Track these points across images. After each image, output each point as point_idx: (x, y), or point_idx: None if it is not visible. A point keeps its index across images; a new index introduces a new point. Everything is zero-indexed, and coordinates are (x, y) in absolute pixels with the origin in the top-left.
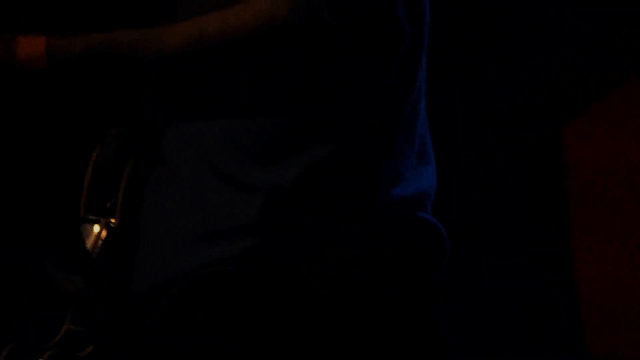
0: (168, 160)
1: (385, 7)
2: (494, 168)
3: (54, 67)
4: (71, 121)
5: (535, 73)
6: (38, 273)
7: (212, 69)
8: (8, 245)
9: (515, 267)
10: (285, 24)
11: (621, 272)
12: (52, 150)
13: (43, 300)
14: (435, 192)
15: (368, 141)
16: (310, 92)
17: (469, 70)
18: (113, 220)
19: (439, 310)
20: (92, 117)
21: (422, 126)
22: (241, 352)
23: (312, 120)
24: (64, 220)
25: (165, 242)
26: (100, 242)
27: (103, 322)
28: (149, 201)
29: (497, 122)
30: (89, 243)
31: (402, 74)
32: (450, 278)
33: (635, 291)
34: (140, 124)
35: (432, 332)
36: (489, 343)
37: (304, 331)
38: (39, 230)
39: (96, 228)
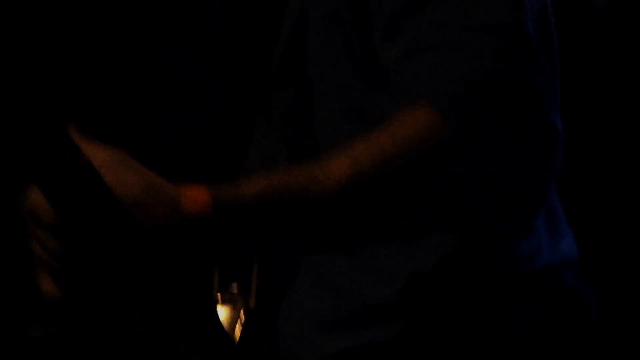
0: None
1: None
2: None
3: (221, 216)
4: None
5: None
6: None
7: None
8: (148, 337)
9: None
10: (440, 140)
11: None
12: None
13: None
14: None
15: (500, 224)
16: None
17: None
18: (251, 303)
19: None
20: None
21: (551, 193)
22: None
23: (446, 208)
24: (197, 308)
25: (303, 328)
26: (240, 325)
27: None
28: (283, 285)
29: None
30: (229, 328)
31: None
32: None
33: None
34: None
35: None
36: None
37: None
38: (176, 321)
39: (232, 312)
